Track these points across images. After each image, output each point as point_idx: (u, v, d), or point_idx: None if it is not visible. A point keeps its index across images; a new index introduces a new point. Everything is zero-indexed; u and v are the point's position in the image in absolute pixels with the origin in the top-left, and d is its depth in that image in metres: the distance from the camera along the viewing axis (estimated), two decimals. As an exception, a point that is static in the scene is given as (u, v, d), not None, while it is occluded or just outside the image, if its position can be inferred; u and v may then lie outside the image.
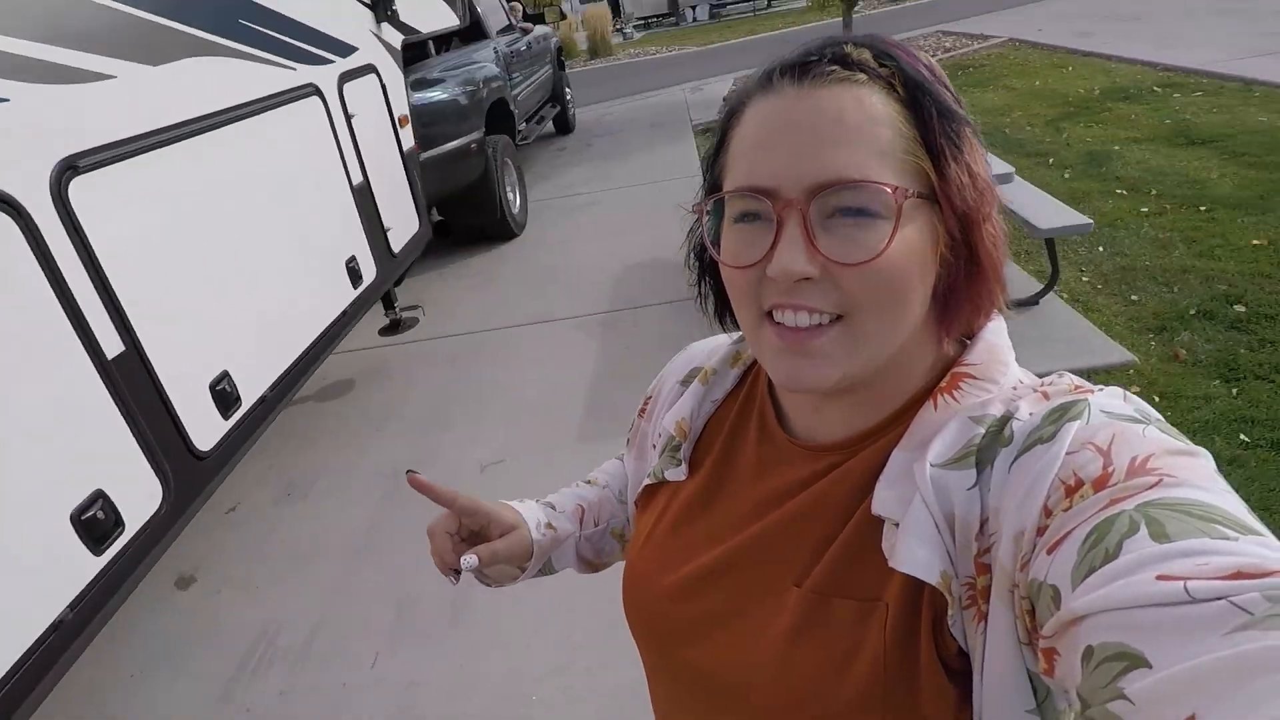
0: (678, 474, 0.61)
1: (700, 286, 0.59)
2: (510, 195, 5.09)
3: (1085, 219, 2.81)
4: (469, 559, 0.63)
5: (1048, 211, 2.93)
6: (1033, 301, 3.07)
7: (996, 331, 0.50)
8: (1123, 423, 0.39)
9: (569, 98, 8.61)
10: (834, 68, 0.45)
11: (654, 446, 0.67)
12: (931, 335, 0.50)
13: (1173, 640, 0.29)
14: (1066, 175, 4.48)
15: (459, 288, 4.51)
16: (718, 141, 0.52)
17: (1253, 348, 2.58)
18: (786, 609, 0.49)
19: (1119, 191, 4.11)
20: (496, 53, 5.47)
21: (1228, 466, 2.09)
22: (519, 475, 2.67)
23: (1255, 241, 3.26)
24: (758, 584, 0.52)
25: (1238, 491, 0.36)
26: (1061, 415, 0.41)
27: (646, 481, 0.64)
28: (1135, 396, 0.42)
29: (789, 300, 0.45)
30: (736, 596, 0.53)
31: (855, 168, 0.43)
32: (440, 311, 4.19)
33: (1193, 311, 2.86)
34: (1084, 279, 3.26)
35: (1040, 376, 0.49)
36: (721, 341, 0.67)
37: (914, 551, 0.43)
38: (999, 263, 0.48)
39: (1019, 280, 3.26)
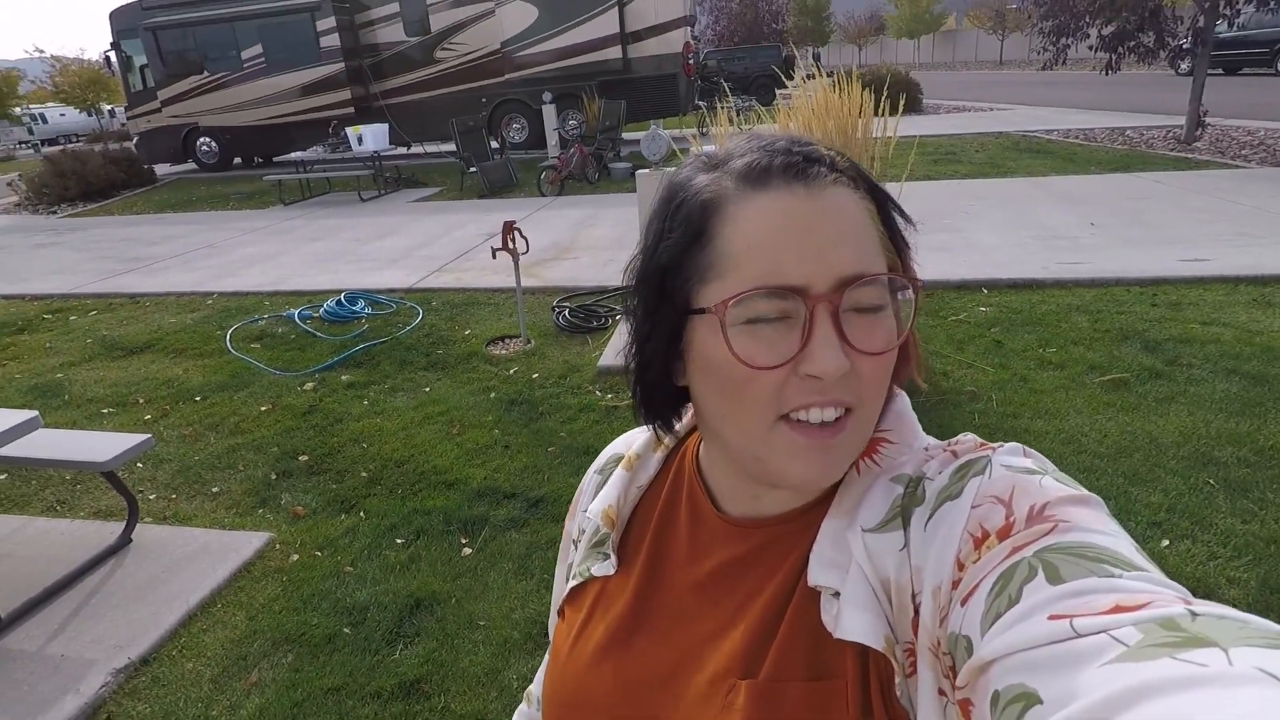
0: (605, 568, 0.58)
1: (635, 394, 0.55)
2: None
3: (146, 436, 2.58)
4: None
5: (104, 445, 2.53)
6: (125, 541, 2.62)
7: (902, 402, 0.54)
8: (1021, 474, 0.42)
9: None
10: (826, 170, 0.47)
11: (574, 544, 0.63)
12: None
13: (1061, 675, 0.30)
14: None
15: None
16: (694, 235, 0.47)
17: (338, 482, 3.03)
18: (737, 709, 0.46)
19: (106, 411, 3.87)
20: None
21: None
22: None
23: (263, 408, 3.75)
24: (702, 681, 0.50)
25: None
26: (966, 471, 0.44)
27: (571, 583, 0.60)
28: (1034, 450, 0.46)
29: (824, 398, 0.45)
30: (681, 697, 0.50)
31: (872, 262, 0.46)
32: None
33: (274, 475, 3.09)
34: (151, 497, 3.00)
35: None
36: (638, 432, 0.63)
37: (855, 619, 0.44)
38: (916, 343, 0.53)
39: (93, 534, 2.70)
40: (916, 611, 0.42)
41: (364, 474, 3.04)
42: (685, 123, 13.30)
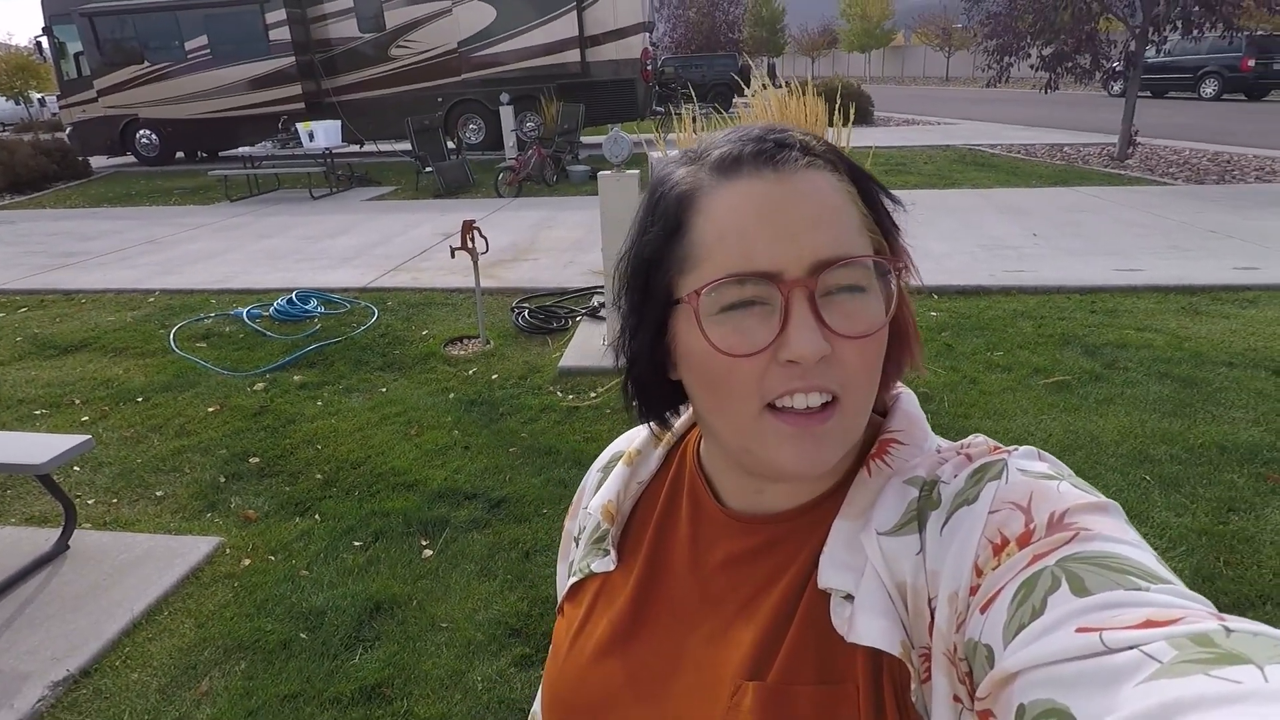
0: (605, 564, 0.57)
1: (627, 391, 0.55)
2: None
3: (85, 436, 2.46)
4: None
5: (39, 447, 2.40)
6: (61, 548, 2.50)
7: (910, 402, 0.54)
8: (1039, 480, 0.42)
9: None
10: (799, 154, 0.46)
11: (576, 542, 0.63)
12: None
13: (1093, 691, 0.30)
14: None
15: None
16: (670, 228, 0.48)
17: (291, 484, 2.94)
18: (744, 710, 0.46)
19: (39, 413, 3.68)
20: None
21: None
22: None
23: (210, 409, 3.61)
24: (706, 681, 0.49)
25: None
26: (982, 475, 0.44)
27: (571, 580, 0.59)
28: (1048, 454, 0.46)
29: (805, 383, 0.44)
30: (684, 697, 0.50)
31: (850, 244, 0.45)
32: None
33: (223, 478, 2.98)
34: (90, 501, 2.86)
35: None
36: (639, 430, 0.63)
37: (871, 624, 0.43)
38: (915, 328, 0.52)
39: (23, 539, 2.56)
40: (932, 617, 0.42)
41: (318, 476, 2.96)
42: (643, 128, 13.37)
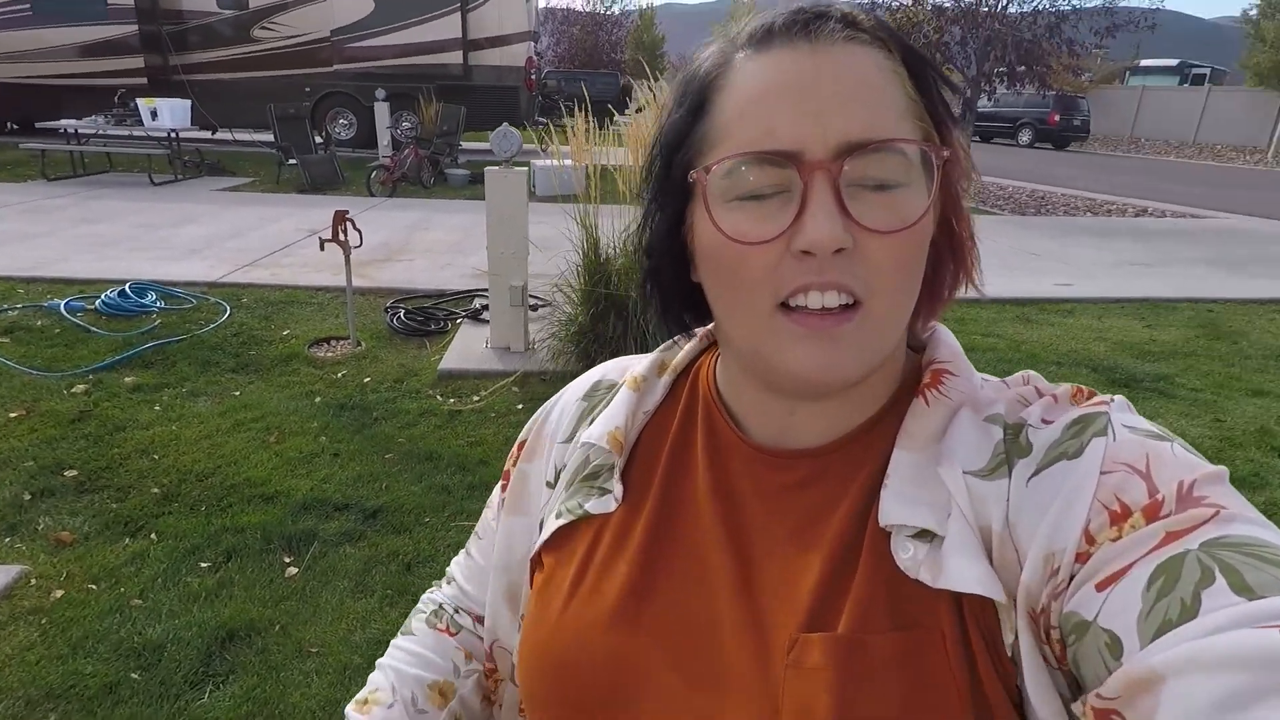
0: (604, 504, 0.49)
1: (646, 288, 0.50)
2: None
3: None
4: None
5: None
6: None
7: (947, 333, 0.49)
8: (1150, 440, 0.38)
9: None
10: (841, 26, 0.40)
11: (549, 484, 0.54)
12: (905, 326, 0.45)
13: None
14: None
15: None
16: (693, 107, 0.43)
17: (120, 500, 2.54)
18: (811, 666, 0.39)
19: None
20: None
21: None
22: None
23: (13, 415, 3.07)
24: (751, 635, 0.42)
25: None
26: (1083, 428, 0.39)
27: (558, 522, 0.50)
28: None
29: (821, 278, 0.38)
30: (727, 654, 0.42)
31: (886, 128, 0.39)
32: None
33: (29, 495, 2.51)
34: None
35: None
36: (634, 358, 0.56)
37: (967, 568, 0.38)
38: (973, 244, 0.47)
39: None
40: (1019, 570, 0.37)
41: (155, 490, 2.57)
42: (526, 137, 13.17)
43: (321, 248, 3.88)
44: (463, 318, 4.41)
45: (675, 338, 0.55)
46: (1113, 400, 0.42)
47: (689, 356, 0.55)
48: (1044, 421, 0.41)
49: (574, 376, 0.60)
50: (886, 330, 0.41)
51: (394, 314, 4.37)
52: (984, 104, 16.85)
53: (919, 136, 0.41)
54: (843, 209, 0.38)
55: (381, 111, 10.76)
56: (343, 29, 11.59)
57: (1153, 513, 0.34)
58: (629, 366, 0.57)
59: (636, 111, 4.66)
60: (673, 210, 0.45)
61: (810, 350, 0.40)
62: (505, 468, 0.60)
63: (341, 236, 3.77)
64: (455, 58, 11.75)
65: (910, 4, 10.39)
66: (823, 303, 0.39)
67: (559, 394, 0.60)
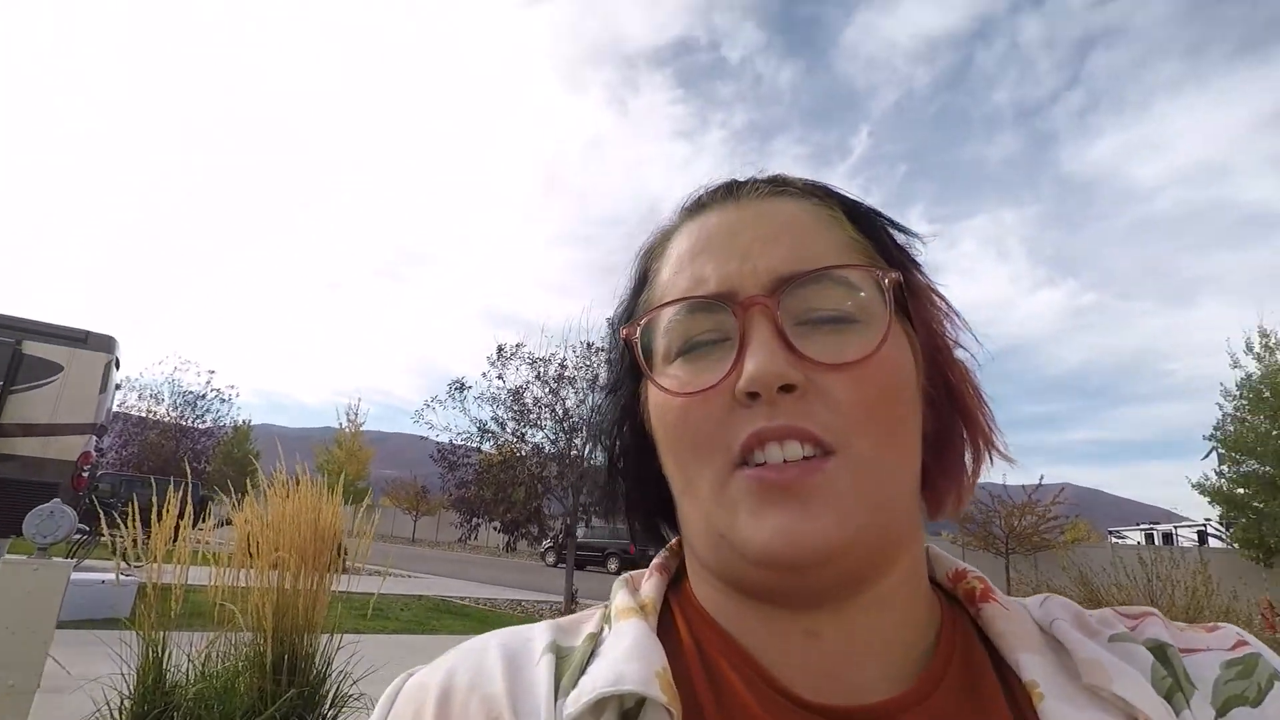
0: None
1: (614, 483, 0.46)
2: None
3: None
4: None
5: None
6: None
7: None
8: None
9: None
10: (767, 185, 0.42)
11: None
12: (919, 503, 0.39)
13: None
14: None
15: None
16: (637, 278, 0.45)
17: None
18: None
19: None
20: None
21: None
22: None
23: None
24: None
25: None
26: (1251, 671, 0.37)
27: None
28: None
29: (772, 423, 0.34)
30: None
31: (818, 259, 0.37)
32: None
33: None
34: None
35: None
36: (523, 629, 0.41)
37: None
38: (981, 402, 0.40)
39: None
40: None
41: None
42: (54, 550, 10.41)
43: None
44: None
45: (616, 584, 0.46)
46: (1249, 640, 0.39)
47: (657, 591, 0.43)
48: (1191, 647, 0.38)
49: None
50: (871, 482, 0.34)
51: None
52: (582, 534, 19.35)
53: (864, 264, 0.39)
54: (786, 344, 0.35)
55: None
56: None
57: None
58: (571, 627, 0.42)
59: (216, 526, 4.15)
60: (627, 390, 0.42)
61: (773, 515, 0.33)
62: None
63: None
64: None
65: (514, 441, 12.09)
66: (783, 455, 0.34)
67: (443, 672, 0.39)
